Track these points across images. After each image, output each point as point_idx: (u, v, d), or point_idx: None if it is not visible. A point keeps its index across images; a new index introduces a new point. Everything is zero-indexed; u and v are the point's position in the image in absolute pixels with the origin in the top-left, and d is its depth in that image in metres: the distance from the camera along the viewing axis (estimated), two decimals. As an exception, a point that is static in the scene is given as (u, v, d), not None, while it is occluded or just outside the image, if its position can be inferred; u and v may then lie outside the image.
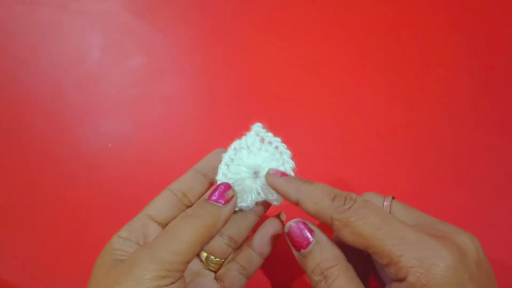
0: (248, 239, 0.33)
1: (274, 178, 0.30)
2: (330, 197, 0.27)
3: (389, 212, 0.28)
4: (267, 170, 0.31)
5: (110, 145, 0.44)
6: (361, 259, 0.30)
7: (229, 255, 0.33)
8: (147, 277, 0.24)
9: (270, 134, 0.33)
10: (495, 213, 0.42)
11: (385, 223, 0.24)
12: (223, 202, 0.29)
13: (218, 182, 0.31)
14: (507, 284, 0.39)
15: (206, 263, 0.32)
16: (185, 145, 0.45)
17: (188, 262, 0.27)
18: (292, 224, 0.28)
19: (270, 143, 0.32)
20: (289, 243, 0.29)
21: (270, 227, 0.32)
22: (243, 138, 0.33)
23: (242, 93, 0.48)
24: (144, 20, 0.52)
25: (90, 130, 0.45)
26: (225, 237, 0.32)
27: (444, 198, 0.43)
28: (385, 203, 0.28)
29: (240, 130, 0.46)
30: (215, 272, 0.33)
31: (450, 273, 0.22)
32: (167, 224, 0.32)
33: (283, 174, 0.30)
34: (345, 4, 0.54)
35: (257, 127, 0.33)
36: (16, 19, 0.51)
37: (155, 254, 0.25)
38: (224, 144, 0.46)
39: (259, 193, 0.32)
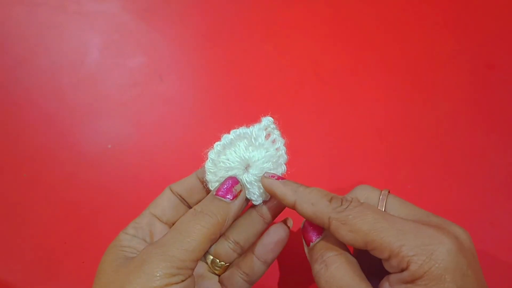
0: (253, 245, 0.32)
1: (271, 181, 0.30)
2: (327, 199, 0.27)
3: (384, 206, 0.28)
4: (259, 168, 0.31)
5: (109, 146, 0.44)
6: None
7: (234, 259, 0.33)
8: (157, 275, 0.24)
9: (277, 132, 0.32)
10: (495, 213, 0.42)
11: (383, 217, 0.25)
12: (231, 198, 0.29)
13: (209, 159, 0.31)
14: (505, 281, 0.39)
15: (211, 266, 0.32)
16: (185, 145, 0.45)
17: (198, 259, 0.27)
18: (306, 221, 0.29)
19: (273, 141, 0.32)
20: (303, 238, 0.29)
21: (274, 235, 0.32)
22: (250, 127, 0.32)
23: (241, 94, 0.48)
24: (143, 21, 0.52)
25: (90, 131, 0.45)
26: (231, 242, 0.32)
27: (444, 198, 0.43)
28: (380, 197, 0.29)
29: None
30: (219, 276, 0.32)
31: (451, 258, 0.23)
32: (171, 223, 0.32)
33: (279, 177, 0.30)
34: (345, 4, 0.54)
35: (267, 121, 0.32)
36: (16, 20, 0.51)
37: (166, 252, 0.25)
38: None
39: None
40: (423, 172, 0.44)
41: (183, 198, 0.32)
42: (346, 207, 0.26)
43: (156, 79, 0.48)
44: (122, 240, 0.29)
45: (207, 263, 0.32)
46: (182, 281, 0.25)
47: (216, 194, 0.29)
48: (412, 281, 0.23)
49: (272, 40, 0.51)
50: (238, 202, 0.30)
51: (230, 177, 0.30)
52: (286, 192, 0.29)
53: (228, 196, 0.29)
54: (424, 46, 0.51)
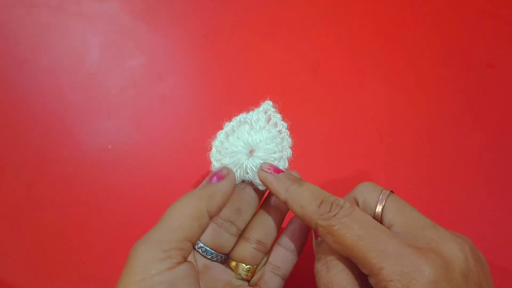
0: (278, 238, 0.32)
1: (266, 175, 0.29)
2: (317, 202, 0.26)
3: (382, 209, 0.27)
4: (263, 150, 0.31)
5: (110, 146, 0.44)
6: None
7: (261, 260, 0.32)
8: (146, 263, 0.23)
9: (278, 116, 0.32)
10: (495, 213, 0.42)
11: (368, 234, 0.24)
12: (217, 179, 0.28)
13: (214, 147, 0.31)
14: (506, 283, 0.39)
15: (236, 271, 0.31)
16: (185, 146, 0.45)
17: (187, 239, 0.24)
18: None
19: (275, 125, 0.32)
20: (313, 231, 0.29)
21: (297, 222, 0.31)
22: (250, 112, 0.32)
23: (241, 94, 0.48)
24: (143, 21, 0.52)
25: (90, 132, 0.45)
26: (253, 242, 0.31)
27: (444, 197, 0.43)
28: (380, 196, 0.28)
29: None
30: (249, 281, 0.32)
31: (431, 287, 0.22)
32: None
33: (276, 170, 0.29)
34: (345, 4, 0.54)
35: (267, 105, 0.32)
36: (15, 21, 0.51)
37: (149, 238, 0.24)
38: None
39: (247, 172, 0.31)
40: (424, 172, 0.44)
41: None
42: (334, 215, 0.25)
43: (156, 79, 0.48)
44: None
45: (232, 269, 0.31)
46: (176, 264, 0.23)
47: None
48: None
49: (272, 40, 0.51)
50: (226, 181, 0.28)
51: (218, 167, 0.30)
52: (279, 189, 0.28)
53: (214, 180, 0.28)
54: (424, 46, 0.51)
